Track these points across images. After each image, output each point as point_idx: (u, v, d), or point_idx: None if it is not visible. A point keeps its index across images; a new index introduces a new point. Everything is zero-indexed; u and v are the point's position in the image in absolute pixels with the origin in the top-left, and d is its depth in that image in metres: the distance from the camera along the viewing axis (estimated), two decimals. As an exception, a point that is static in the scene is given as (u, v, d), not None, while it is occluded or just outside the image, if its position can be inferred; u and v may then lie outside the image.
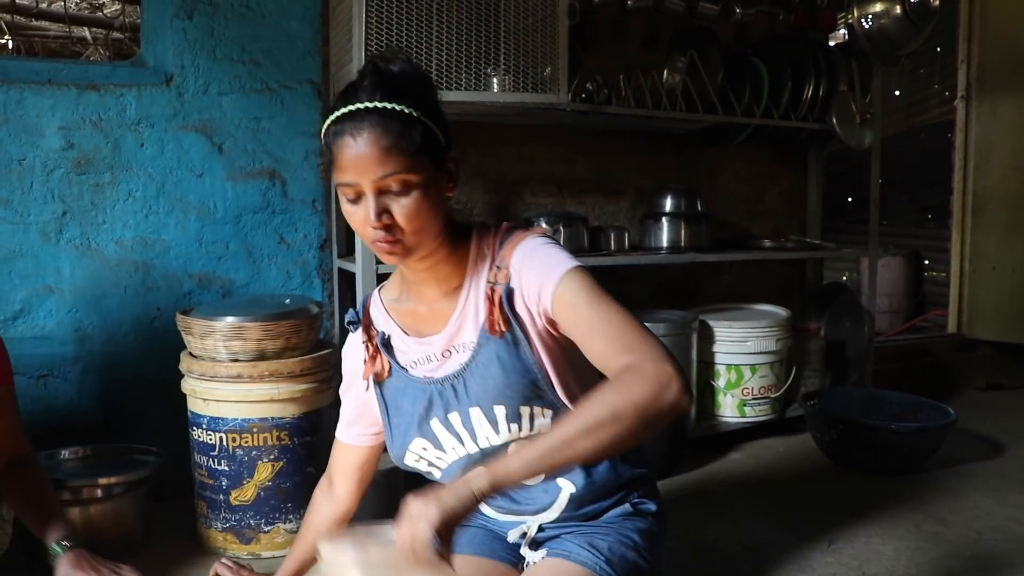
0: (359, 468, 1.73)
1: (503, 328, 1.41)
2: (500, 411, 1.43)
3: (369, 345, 1.57)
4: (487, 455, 1.48)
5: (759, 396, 3.08)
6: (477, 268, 1.45)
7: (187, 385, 2.18)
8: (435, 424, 1.49)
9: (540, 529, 1.59)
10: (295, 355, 2.16)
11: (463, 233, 1.48)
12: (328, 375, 2.24)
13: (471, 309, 1.45)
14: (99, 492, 2.11)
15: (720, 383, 3.08)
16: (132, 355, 2.51)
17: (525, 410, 1.43)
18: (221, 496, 2.13)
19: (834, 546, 2.22)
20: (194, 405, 2.16)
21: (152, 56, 2.55)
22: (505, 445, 1.46)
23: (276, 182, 2.65)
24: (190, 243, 2.55)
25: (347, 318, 1.64)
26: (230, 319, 2.09)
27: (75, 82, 2.42)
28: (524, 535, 1.58)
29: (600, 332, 1.31)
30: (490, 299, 1.42)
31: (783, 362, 3.14)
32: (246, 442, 2.10)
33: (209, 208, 2.57)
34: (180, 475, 2.29)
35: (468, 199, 3.03)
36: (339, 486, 1.74)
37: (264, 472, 2.12)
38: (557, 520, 1.57)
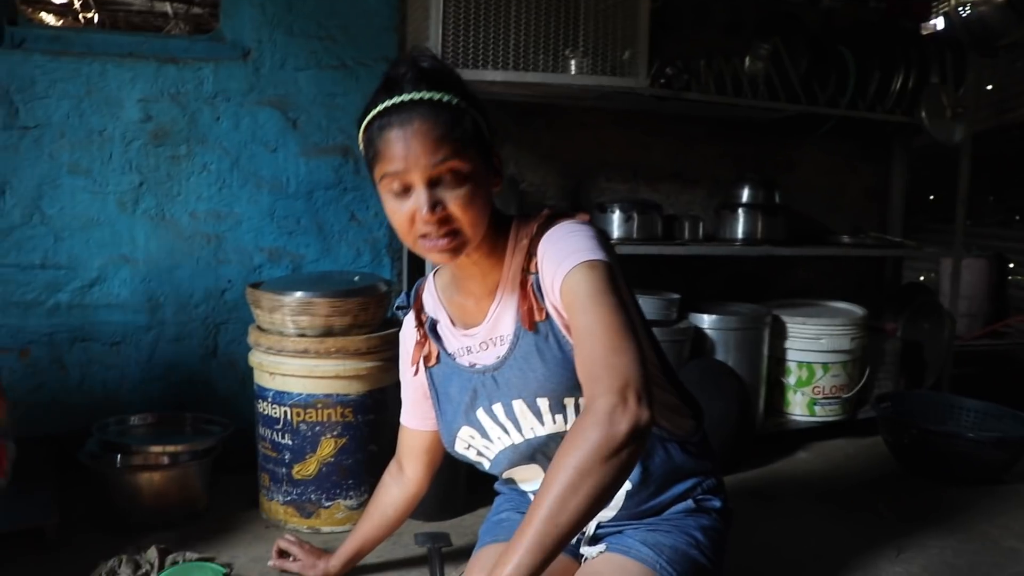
0: (427, 451, 1.73)
1: (538, 318, 1.37)
2: (543, 403, 1.40)
3: (419, 330, 1.56)
4: (533, 446, 1.46)
5: (830, 396, 2.99)
6: (514, 259, 1.42)
7: (254, 358, 2.19)
8: (480, 414, 1.47)
9: (598, 526, 1.56)
10: (362, 332, 2.15)
11: (504, 225, 1.45)
12: (394, 354, 2.22)
13: (508, 301, 1.43)
14: (166, 459, 2.14)
15: (790, 380, 3.00)
16: (202, 326, 2.54)
17: (570, 401, 1.39)
18: (284, 470, 2.15)
19: (903, 555, 2.13)
20: (260, 378, 2.18)
21: (230, 31, 2.57)
22: (551, 436, 1.43)
23: (349, 159, 2.65)
24: (262, 217, 2.57)
25: (396, 302, 1.64)
26: (299, 294, 2.10)
27: (155, 55, 2.45)
28: (583, 533, 1.55)
29: (581, 345, 1.24)
30: (523, 289, 1.39)
31: (856, 362, 3.05)
32: (310, 417, 2.10)
33: (282, 183, 2.58)
34: (245, 446, 2.32)
35: (542, 183, 3.00)
36: (408, 469, 1.74)
37: (327, 448, 2.12)
38: (616, 518, 1.54)
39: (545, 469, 1.46)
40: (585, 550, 1.54)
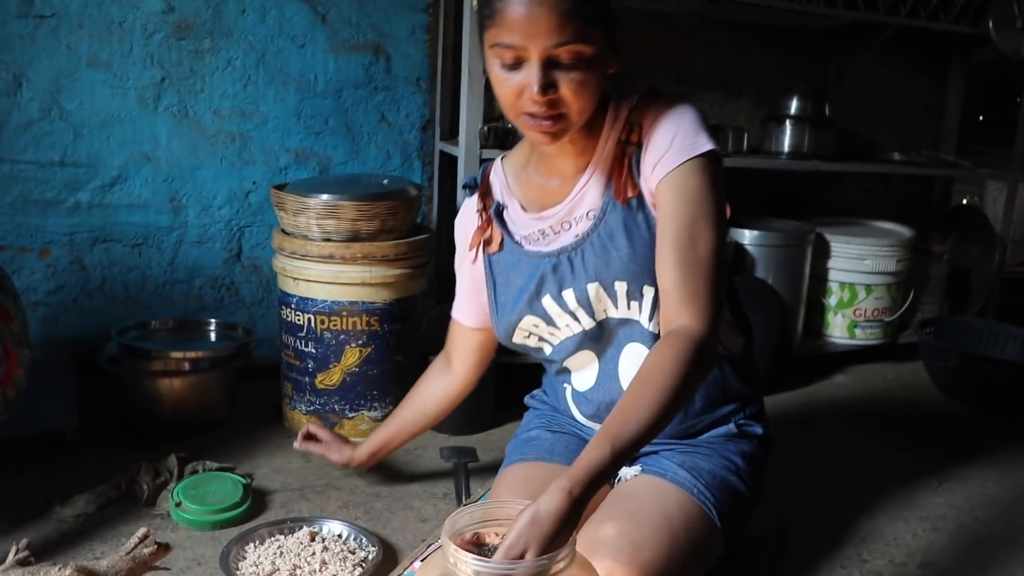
0: (479, 348, 1.67)
1: (631, 193, 1.30)
2: (621, 287, 1.32)
3: (483, 214, 1.48)
4: (605, 330, 1.39)
5: (872, 318, 2.89)
6: (612, 133, 1.34)
7: (278, 263, 2.12)
8: (547, 301, 1.39)
9: (636, 445, 1.48)
10: (390, 238, 2.07)
11: (602, 101, 1.35)
12: (423, 261, 2.16)
13: (599, 175, 1.34)
14: (186, 365, 2.09)
15: (831, 301, 2.89)
16: (226, 229, 2.46)
17: (649, 290, 1.31)
18: (307, 379, 2.09)
19: (944, 486, 2.06)
20: (284, 284, 2.11)
21: (257, -85, 2.42)
22: (622, 321, 1.36)
23: (380, 57, 2.52)
24: (288, 116, 2.46)
25: (464, 181, 1.56)
26: (325, 196, 2.01)
27: (177, -61, 2.32)
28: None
29: (675, 252, 1.21)
30: (619, 161, 1.31)
31: (901, 285, 2.93)
32: (334, 325, 2.04)
33: (309, 81, 2.47)
34: (269, 354, 2.26)
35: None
36: (457, 365, 1.67)
37: (351, 357, 2.06)
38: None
39: (601, 357, 1.42)
40: (621, 469, 1.46)
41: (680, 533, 1.33)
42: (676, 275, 1.20)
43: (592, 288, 1.35)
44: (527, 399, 1.72)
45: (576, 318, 1.39)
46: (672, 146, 1.25)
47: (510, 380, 2.28)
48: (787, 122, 2.88)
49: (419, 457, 2.08)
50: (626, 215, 1.31)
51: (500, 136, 2.31)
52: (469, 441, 2.20)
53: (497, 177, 1.50)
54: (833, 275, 2.88)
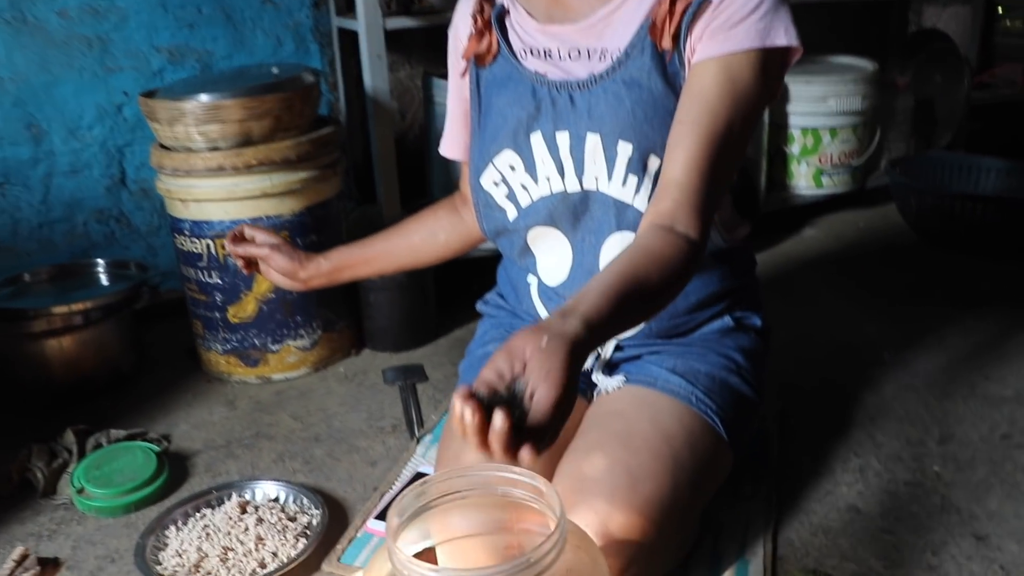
0: None
1: (669, 45, 1.05)
2: (624, 150, 1.07)
3: (479, 17, 1.20)
4: (588, 206, 1.14)
5: (838, 163, 2.64)
6: None
7: (161, 184, 1.77)
8: (536, 139, 1.13)
9: (617, 348, 1.23)
10: (289, 137, 1.73)
11: None
12: (334, 158, 1.83)
13: (637, 6, 1.07)
14: (75, 319, 1.75)
15: (794, 149, 2.64)
16: (102, 152, 2.09)
17: (655, 162, 1.07)
18: (217, 314, 1.79)
19: (944, 343, 1.86)
20: (172, 208, 1.77)
21: None
22: (614, 203, 1.11)
23: (250, -76, 2.13)
24: (152, 9, 2.06)
25: None
26: (203, 98, 1.66)
27: None
28: (597, 356, 1.23)
29: (702, 147, 0.99)
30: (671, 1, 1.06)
31: (867, 124, 2.67)
32: (239, 249, 1.72)
33: (170, -38, 2.07)
34: (179, 287, 1.94)
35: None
36: (468, 215, 1.35)
37: (265, 283, 1.75)
38: (640, 335, 1.21)
39: (577, 245, 1.18)
40: (600, 379, 1.21)
41: (683, 454, 1.09)
42: (694, 173, 0.98)
43: (591, 141, 1.09)
44: (479, 305, 1.45)
45: (561, 173, 1.13)
46: (748, 20, 1.00)
47: (452, 279, 2.01)
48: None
49: (359, 385, 1.81)
50: (654, 64, 1.06)
51: (404, 1, 1.96)
52: (414, 357, 1.93)
53: None
54: (794, 120, 2.61)
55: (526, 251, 1.23)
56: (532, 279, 1.25)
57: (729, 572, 1.17)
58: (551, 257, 1.21)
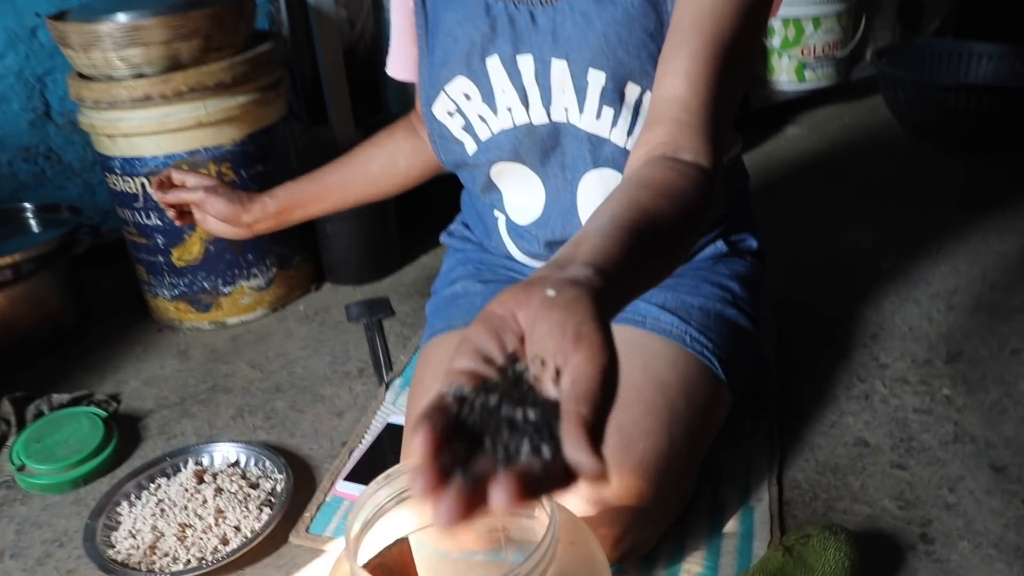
0: None
1: None
2: (596, 79, 0.91)
3: None
4: (559, 141, 0.99)
5: (822, 56, 2.48)
6: None
7: (84, 119, 1.59)
8: (493, 64, 0.98)
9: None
10: (222, 57, 1.54)
11: None
12: (276, 78, 1.65)
13: None
14: (7, 274, 1.57)
15: (775, 42, 2.47)
16: (19, 82, 1.89)
17: (633, 90, 0.92)
18: (160, 258, 1.64)
19: (944, 249, 1.74)
20: (100, 144, 1.60)
21: None
22: (588, 137, 0.97)
23: None
24: (59, -84, 1.84)
25: None
26: (120, 18, 1.46)
27: None
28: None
29: (706, 53, 0.78)
30: None
31: (851, 11, 2.50)
32: (178, 187, 1.56)
33: None
34: (117, 234, 1.79)
35: None
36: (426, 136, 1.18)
37: (210, 223, 1.60)
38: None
39: (549, 182, 1.04)
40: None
41: (679, 404, 0.98)
42: (699, 85, 0.78)
43: (557, 68, 0.94)
44: (443, 238, 1.32)
45: (525, 103, 0.97)
46: None
47: (415, 201, 1.86)
48: None
49: (321, 324, 1.68)
50: None
51: None
52: (379, 289, 1.80)
53: None
54: (773, 12, 2.43)
55: (490, 186, 1.09)
56: (499, 215, 1.12)
57: (732, 522, 1.08)
58: (519, 195, 1.07)
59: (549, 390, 0.46)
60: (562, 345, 0.46)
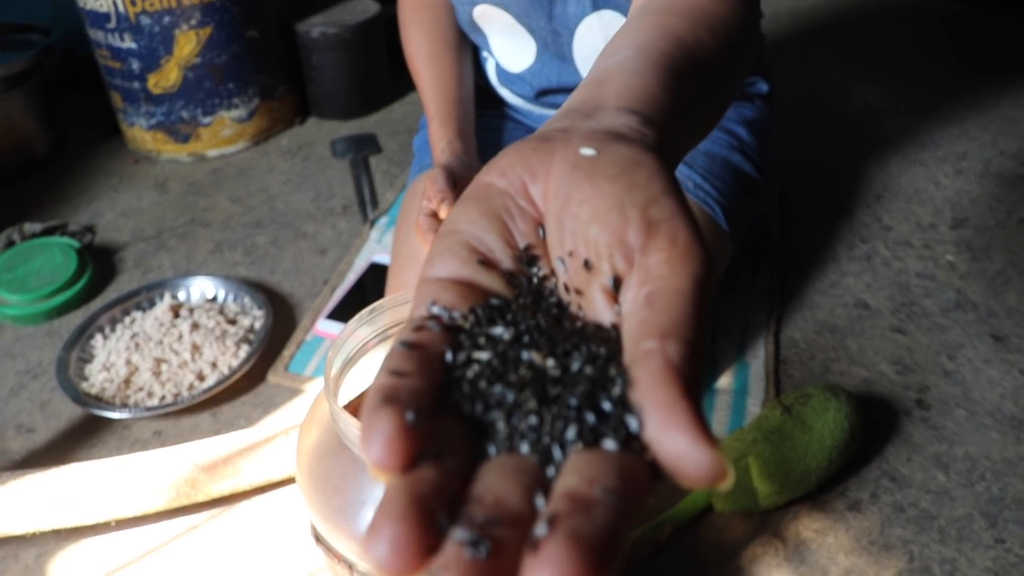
0: None
1: None
2: None
3: None
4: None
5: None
6: None
7: (49, -76, 1.47)
8: None
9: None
10: None
11: None
12: None
13: None
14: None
15: None
16: None
17: None
18: (136, 84, 1.54)
19: (954, 112, 1.66)
20: (67, -46, 1.49)
21: None
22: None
23: None
24: None
25: None
26: None
27: None
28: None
29: None
30: None
31: None
32: (151, 5, 1.45)
33: None
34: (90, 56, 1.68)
35: None
36: None
37: (187, 46, 1.50)
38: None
39: (536, 31, 0.94)
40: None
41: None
42: None
43: None
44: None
45: None
46: None
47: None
48: None
49: (304, 159, 1.61)
50: None
51: None
52: (366, 125, 1.73)
53: None
54: None
55: (475, 28, 1.00)
56: (487, 57, 1.03)
57: (726, 376, 1.05)
58: (506, 41, 0.98)
59: (600, 312, 0.28)
60: (623, 237, 0.29)
